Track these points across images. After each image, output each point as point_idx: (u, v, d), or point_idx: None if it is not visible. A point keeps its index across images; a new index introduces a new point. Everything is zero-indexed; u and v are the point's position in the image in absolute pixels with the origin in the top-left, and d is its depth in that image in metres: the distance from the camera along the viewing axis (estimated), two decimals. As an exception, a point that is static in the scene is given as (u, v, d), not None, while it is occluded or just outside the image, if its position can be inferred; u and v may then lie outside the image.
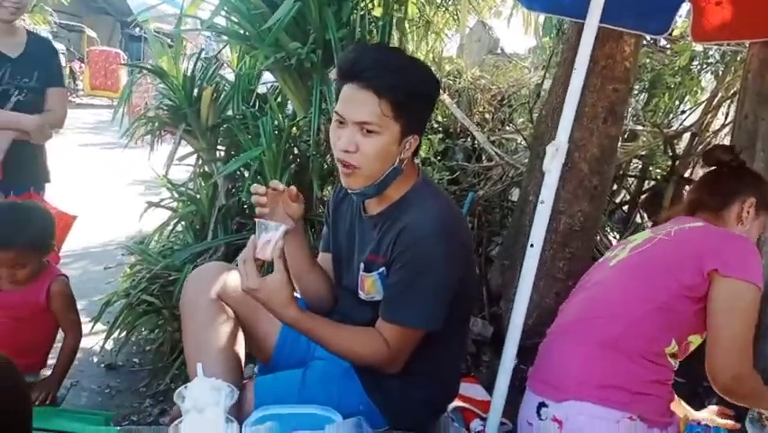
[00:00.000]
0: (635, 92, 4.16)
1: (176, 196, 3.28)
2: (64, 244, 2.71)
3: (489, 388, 1.88)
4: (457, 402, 1.89)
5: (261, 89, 3.28)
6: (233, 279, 1.57)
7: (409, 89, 1.36)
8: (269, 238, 1.34)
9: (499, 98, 4.60)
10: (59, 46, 14.04)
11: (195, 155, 3.16)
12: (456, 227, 1.45)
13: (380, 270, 1.46)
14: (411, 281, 1.39)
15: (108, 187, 6.21)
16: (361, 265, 1.50)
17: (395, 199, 1.47)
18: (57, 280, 1.91)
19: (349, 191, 1.49)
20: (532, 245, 1.73)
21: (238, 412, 1.42)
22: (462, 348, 1.74)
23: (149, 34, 3.12)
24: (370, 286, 1.49)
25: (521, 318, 1.74)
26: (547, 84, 3.49)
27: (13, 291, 1.84)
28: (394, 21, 2.96)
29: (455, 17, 4.21)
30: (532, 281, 1.75)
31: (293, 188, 1.52)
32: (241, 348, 1.56)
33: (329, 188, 2.92)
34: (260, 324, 1.60)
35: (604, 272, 1.71)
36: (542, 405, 1.55)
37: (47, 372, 1.99)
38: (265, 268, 1.40)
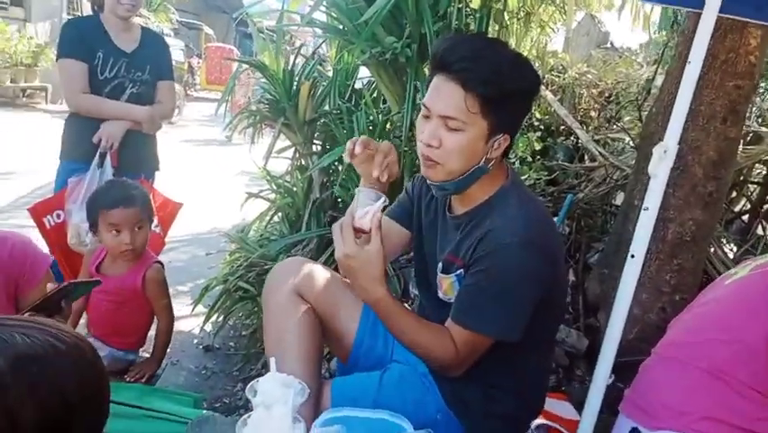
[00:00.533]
0: (761, 90, 3.76)
1: (274, 187, 3.38)
2: (175, 230, 2.86)
3: (580, 405, 1.77)
4: (541, 420, 1.79)
5: (358, 85, 3.30)
6: (313, 274, 1.57)
7: (500, 85, 1.26)
8: (367, 209, 1.30)
9: (606, 95, 4.32)
10: (180, 42, 15.04)
11: (292, 148, 3.23)
12: (543, 237, 1.34)
13: (458, 272, 1.39)
14: (486, 287, 1.31)
15: (218, 177, 6.54)
16: (439, 265, 1.45)
17: (480, 201, 1.40)
18: (152, 267, 2.01)
19: (428, 183, 1.44)
20: (633, 256, 1.61)
21: (315, 410, 1.42)
22: (548, 362, 1.64)
23: (252, 30, 3.22)
24: (447, 287, 1.43)
25: (618, 333, 1.63)
26: (659, 80, 3.23)
27: (113, 277, 1.97)
28: (492, 13, 2.85)
29: (562, 10, 4.01)
30: (631, 294, 1.63)
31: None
32: (320, 344, 1.55)
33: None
34: (338, 321, 1.59)
35: (719, 291, 1.54)
36: (634, 430, 1.43)
37: (148, 349, 2.12)
38: None
